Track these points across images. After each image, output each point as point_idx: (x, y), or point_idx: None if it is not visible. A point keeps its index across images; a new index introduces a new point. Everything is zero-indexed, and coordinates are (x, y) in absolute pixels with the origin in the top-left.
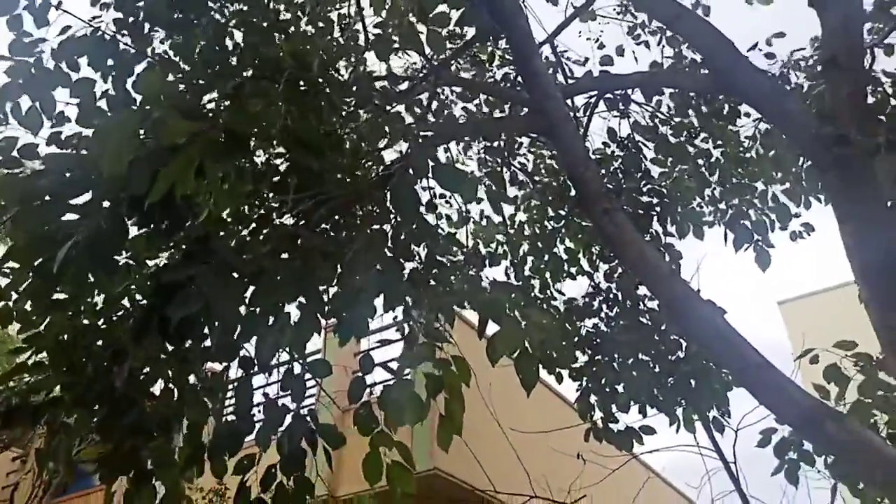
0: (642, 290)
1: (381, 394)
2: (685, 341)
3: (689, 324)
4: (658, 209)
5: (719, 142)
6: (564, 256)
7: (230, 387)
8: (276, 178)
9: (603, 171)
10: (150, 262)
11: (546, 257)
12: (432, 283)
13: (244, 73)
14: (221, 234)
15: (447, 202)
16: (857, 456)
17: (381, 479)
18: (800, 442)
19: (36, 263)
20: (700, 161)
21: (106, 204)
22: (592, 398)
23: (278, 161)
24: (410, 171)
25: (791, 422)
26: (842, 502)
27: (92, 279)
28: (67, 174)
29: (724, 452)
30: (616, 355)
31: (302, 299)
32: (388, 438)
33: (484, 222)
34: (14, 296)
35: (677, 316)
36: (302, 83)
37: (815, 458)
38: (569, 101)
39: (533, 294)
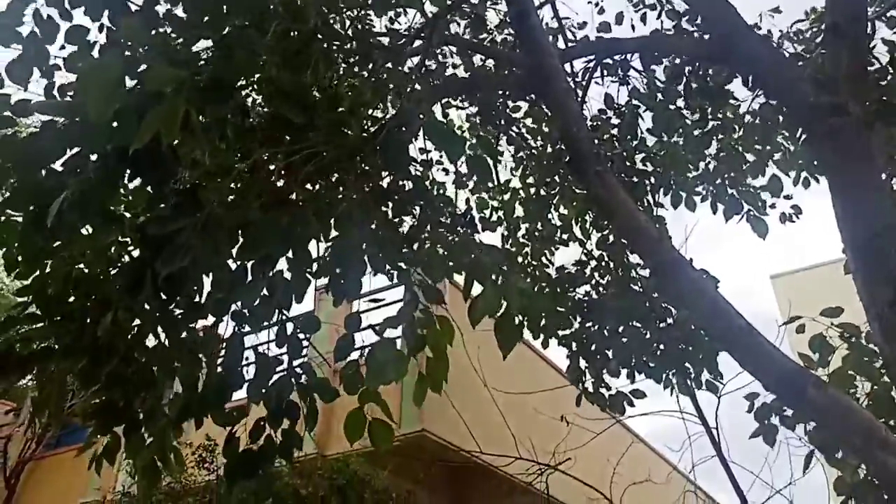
0: (633, 259)
1: (367, 354)
2: (675, 308)
3: (677, 287)
4: (652, 178)
5: (718, 113)
6: (558, 223)
7: (223, 342)
8: (263, 131)
9: (598, 139)
10: (140, 217)
11: (539, 224)
12: (426, 243)
13: (234, 23)
14: (209, 186)
15: (444, 170)
16: (837, 421)
17: (363, 435)
18: (781, 408)
19: (30, 215)
20: (696, 132)
21: (95, 157)
22: (582, 364)
23: (267, 113)
24: (403, 128)
25: (773, 386)
26: (821, 468)
27: (83, 231)
28: (59, 122)
29: (706, 418)
30: (606, 321)
31: (291, 256)
32: (374, 395)
33: (479, 187)
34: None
35: (665, 279)
36: (296, 35)
37: (795, 424)
38: (567, 67)
39: (526, 261)
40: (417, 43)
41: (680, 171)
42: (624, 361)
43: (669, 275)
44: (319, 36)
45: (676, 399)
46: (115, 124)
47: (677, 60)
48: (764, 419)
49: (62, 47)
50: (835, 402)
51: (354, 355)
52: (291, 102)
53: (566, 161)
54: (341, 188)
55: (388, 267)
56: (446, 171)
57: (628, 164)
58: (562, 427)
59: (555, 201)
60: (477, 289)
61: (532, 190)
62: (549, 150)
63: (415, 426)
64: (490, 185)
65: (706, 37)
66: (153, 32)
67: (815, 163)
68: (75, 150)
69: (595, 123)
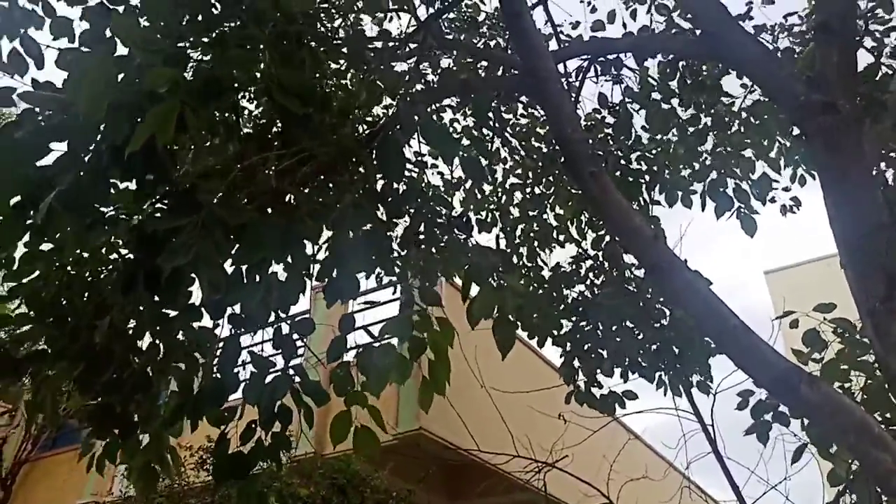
0: (628, 259)
1: (359, 356)
2: (669, 308)
3: (671, 288)
4: (647, 177)
5: (711, 110)
6: (553, 223)
7: (219, 344)
8: (260, 132)
9: (592, 139)
10: (134, 217)
11: (535, 224)
12: (422, 245)
13: (227, 23)
14: (206, 187)
15: (438, 173)
16: (831, 418)
17: (347, 438)
18: (776, 404)
19: (14, 211)
20: (690, 129)
21: (86, 156)
22: (576, 363)
23: (262, 116)
24: (398, 128)
25: (767, 384)
26: (816, 464)
27: (71, 232)
28: (45, 118)
29: (702, 415)
30: (601, 321)
31: (288, 259)
32: (362, 398)
33: (475, 190)
34: None
35: (659, 280)
36: (286, 36)
37: (790, 420)
38: (561, 68)
39: (521, 262)
40: (411, 46)
41: (674, 168)
42: (617, 361)
43: (664, 275)
44: (308, 38)
45: (672, 397)
46: (105, 121)
47: (670, 57)
48: (758, 417)
49: (54, 38)
50: (828, 400)
51: (349, 356)
52: (291, 96)
53: (561, 162)
54: (336, 190)
55: (383, 269)
56: (441, 174)
57: (623, 163)
58: (559, 425)
59: (550, 202)
60: (475, 290)
61: (527, 191)
62: (544, 150)
63: (412, 425)
64: (485, 186)
65: (697, 33)
66: (145, 30)
67: (808, 159)
68: (62, 144)
69: (589, 123)
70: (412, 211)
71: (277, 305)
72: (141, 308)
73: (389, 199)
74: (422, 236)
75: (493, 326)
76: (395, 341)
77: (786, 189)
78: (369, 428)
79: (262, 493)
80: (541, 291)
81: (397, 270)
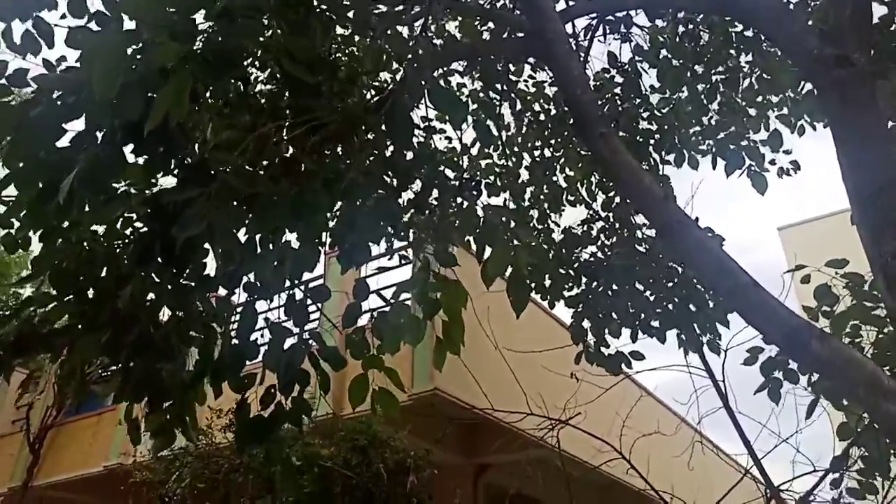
0: (639, 219)
1: (375, 320)
2: (680, 268)
3: (682, 246)
4: (656, 136)
5: (719, 67)
6: (563, 185)
7: (236, 312)
8: (270, 102)
9: (601, 99)
10: (147, 191)
11: (545, 186)
12: (433, 210)
13: None
14: (218, 159)
15: (446, 137)
16: (841, 373)
17: (365, 401)
18: (785, 362)
19: (37, 191)
20: (699, 87)
21: (101, 134)
22: (585, 324)
23: (272, 84)
24: (406, 95)
25: (777, 340)
26: (826, 416)
27: (89, 208)
28: (59, 98)
29: (713, 372)
30: (612, 282)
31: (301, 227)
32: (379, 362)
33: (483, 154)
34: (16, 223)
35: (670, 239)
36: (292, 3)
37: (800, 377)
38: (569, 27)
39: (532, 224)
40: (417, 9)
41: (683, 127)
42: (627, 322)
43: (675, 235)
44: (316, 4)
45: (684, 353)
46: (118, 99)
47: (680, 14)
48: (769, 373)
49: (62, 16)
50: (838, 354)
51: (363, 321)
52: (300, 65)
53: (570, 124)
54: (347, 157)
55: (394, 234)
56: (449, 139)
57: (633, 123)
58: (572, 384)
59: (560, 164)
60: (488, 253)
61: (536, 153)
62: (553, 112)
63: (427, 386)
64: (494, 149)
65: None
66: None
67: (821, 114)
68: (79, 125)
69: (598, 83)
70: (422, 176)
71: (292, 273)
72: (158, 280)
73: (399, 165)
74: (433, 201)
75: (507, 286)
76: (408, 303)
77: (786, 152)
78: (387, 390)
79: (287, 457)
80: (551, 254)
81: (409, 236)
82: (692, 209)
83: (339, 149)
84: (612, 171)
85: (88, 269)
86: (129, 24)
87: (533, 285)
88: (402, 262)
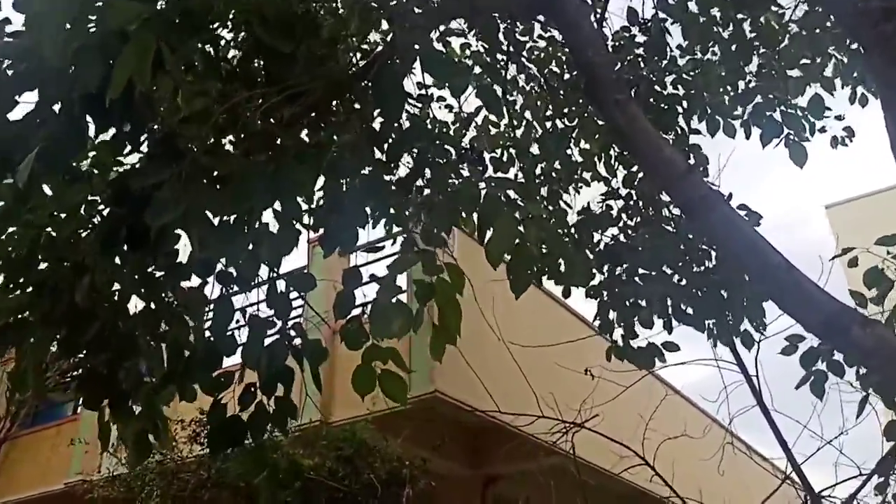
0: (665, 196)
1: (371, 308)
2: (714, 249)
3: (707, 224)
4: (684, 102)
5: (757, 24)
6: (579, 160)
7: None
8: (242, 69)
9: (622, 61)
10: (113, 170)
11: (557, 161)
12: (427, 187)
13: None
14: (188, 133)
15: (447, 106)
16: (888, 364)
17: (374, 389)
18: (830, 351)
19: None
20: (732, 46)
21: (58, 107)
22: (611, 314)
23: (243, 51)
24: (396, 59)
25: (814, 327)
26: (874, 415)
27: (49, 191)
28: (8, 67)
29: (745, 365)
30: (638, 267)
31: (278, 207)
32: (380, 350)
33: (488, 125)
34: None
35: (693, 216)
36: None
37: (846, 369)
38: None
39: (543, 204)
40: None
41: (715, 92)
42: (659, 310)
43: (698, 211)
44: None
45: (713, 345)
46: (74, 66)
47: None
48: (810, 365)
49: None
50: (882, 342)
51: (356, 311)
52: (274, 30)
53: (583, 89)
54: (330, 130)
55: (384, 216)
56: (450, 107)
57: (657, 88)
58: (587, 382)
59: (574, 135)
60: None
61: (548, 123)
62: (566, 77)
63: (426, 387)
64: (500, 118)
65: None
66: None
67: (867, 74)
68: (33, 98)
69: (617, 43)
70: (416, 151)
71: (269, 259)
72: (123, 269)
73: (390, 139)
74: (427, 178)
75: (508, 264)
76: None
77: (838, 118)
78: (394, 372)
79: (275, 463)
80: (567, 235)
81: (401, 217)
82: (723, 183)
83: (321, 121)
84: (628, 141)
85: (45, 255)
86: None
87: (546, 270)
88: (393, 243)
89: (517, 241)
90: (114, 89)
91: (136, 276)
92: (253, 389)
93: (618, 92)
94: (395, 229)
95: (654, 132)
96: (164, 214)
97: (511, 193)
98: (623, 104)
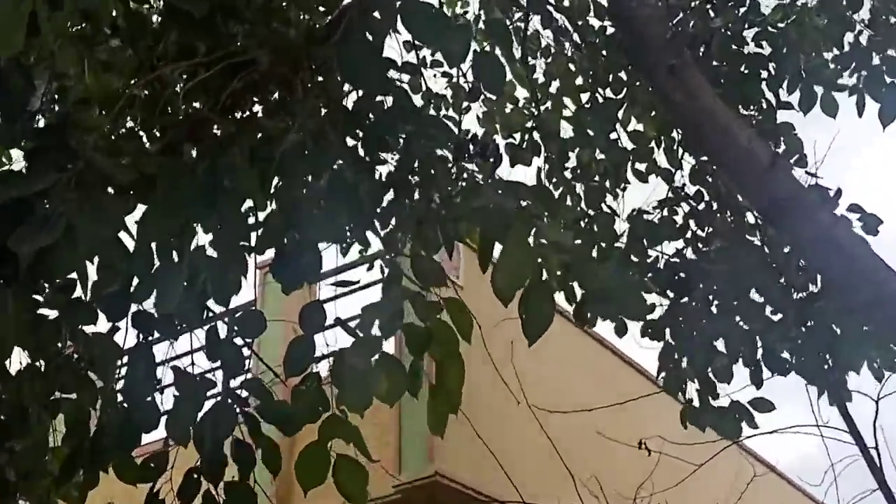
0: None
1: (333, 363)
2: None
3: (799, 236)
4: (770, 66)
5: None
6: (629, 146)
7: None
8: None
9: (686, 9)
10: None
11: (599, 149)
12: (416, 192)
13: None
14: (85, 122)
15: (444, 74)
16: None
17: (324, 480)
18: None
19: None
20: None
21: None
22: (683, 362)
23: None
24: (371, 12)
25: None
26: None
27: None
28: None
29: (860, 433)
30: (712, 295)
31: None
32: (342, 425)
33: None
34: None
35: (779, 225)
36: None
37: None
38: None
39: (578, 208)
40: None
41: (813, 51)
42: (744, 354)
43: (786, 219)
44: None
45: (812, 409)
46: None
47: None
48: None
49: None
50: None
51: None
52: None
53: (626, 52)
54: (285, 113)
55: (357, 233)
56: (448, 76)
57: (733, 45)
58: (644, 457)
59: (622, 111)
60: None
61: (585, 96)
62: (609, 32)
63: (424, 469)
64: (520, 91)
65: None
66: None
67: None
68: None
69: None
70: (402, 138)
71: (213, 296)
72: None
73: (366, 122)
74: (416, 178)
75: (521, 297)
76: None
77: None
78: (350, 457)
79: None
80: (612, 251)
81: (383, 232)
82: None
83: (271, 99)
84: (687, 123)
85: None
86: None
87: (585, 300)
88: (369, 269)
89: (534, 268)
90: None
91: (15, 320)
92: (196, 476)
93: (672, 55)
94: (374, 248)
95: (725, 110)
96: (36, 239)
97: (525, 198)
98: (680, 72)
